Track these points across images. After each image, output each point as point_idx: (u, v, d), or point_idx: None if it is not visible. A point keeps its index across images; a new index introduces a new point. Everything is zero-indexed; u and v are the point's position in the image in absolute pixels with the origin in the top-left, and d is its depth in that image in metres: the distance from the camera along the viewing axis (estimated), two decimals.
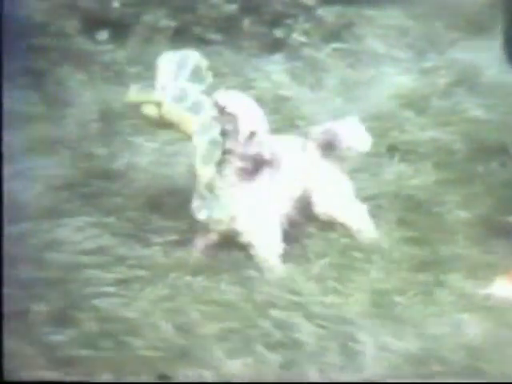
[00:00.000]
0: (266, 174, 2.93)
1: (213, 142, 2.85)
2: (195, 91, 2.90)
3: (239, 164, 2.88)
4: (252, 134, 2.89)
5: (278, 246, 2.96)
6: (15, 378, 2.50)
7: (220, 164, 2.87)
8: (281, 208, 3.00)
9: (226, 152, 2.87)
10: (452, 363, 2.52)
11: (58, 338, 2.63)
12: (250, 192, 2.92)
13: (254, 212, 2.93)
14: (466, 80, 3.95)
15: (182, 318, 2.73)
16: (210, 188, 2.89)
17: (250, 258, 2.94)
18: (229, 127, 2.87)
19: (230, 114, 2.87)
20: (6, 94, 3.54)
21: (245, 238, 2.95)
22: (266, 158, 2.88)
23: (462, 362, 2.52)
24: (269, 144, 2.91)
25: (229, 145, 2.87)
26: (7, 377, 2.51)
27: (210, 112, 2.87)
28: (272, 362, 2.54)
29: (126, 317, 2.72)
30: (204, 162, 2.85)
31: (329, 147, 3.04)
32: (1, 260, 2.68)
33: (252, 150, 2.88)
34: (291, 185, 3.02)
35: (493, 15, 4.33)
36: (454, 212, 3.24)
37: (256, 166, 2.89)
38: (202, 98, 2.89)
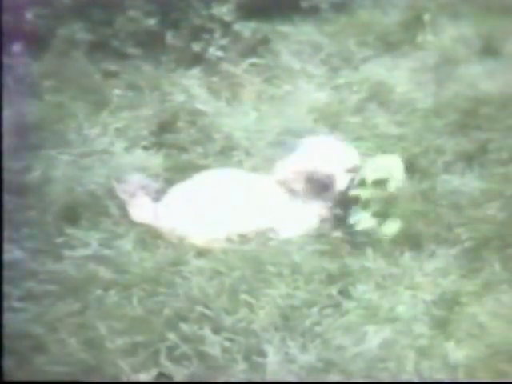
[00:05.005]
0: None
1: None
2: None
3: None
4: None
5: None
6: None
7: None
8: None
9: None
10: (351, 372, 2.58)
11: None
12: None
13: None
14: (378, 96, 4.03)
15: (90, 333, 2.73)
16: None
17: None
18: None
19: None
20: None
21: None
22: None
23: (359, 372, 2.58)
24: None
25: None
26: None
27: None
28: (177, 375, 2.55)
29: (32, 333, 2.70)
30: None
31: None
32: None
33: None
34: None
35: (402, 34, 4.47)
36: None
37: None
38: None
